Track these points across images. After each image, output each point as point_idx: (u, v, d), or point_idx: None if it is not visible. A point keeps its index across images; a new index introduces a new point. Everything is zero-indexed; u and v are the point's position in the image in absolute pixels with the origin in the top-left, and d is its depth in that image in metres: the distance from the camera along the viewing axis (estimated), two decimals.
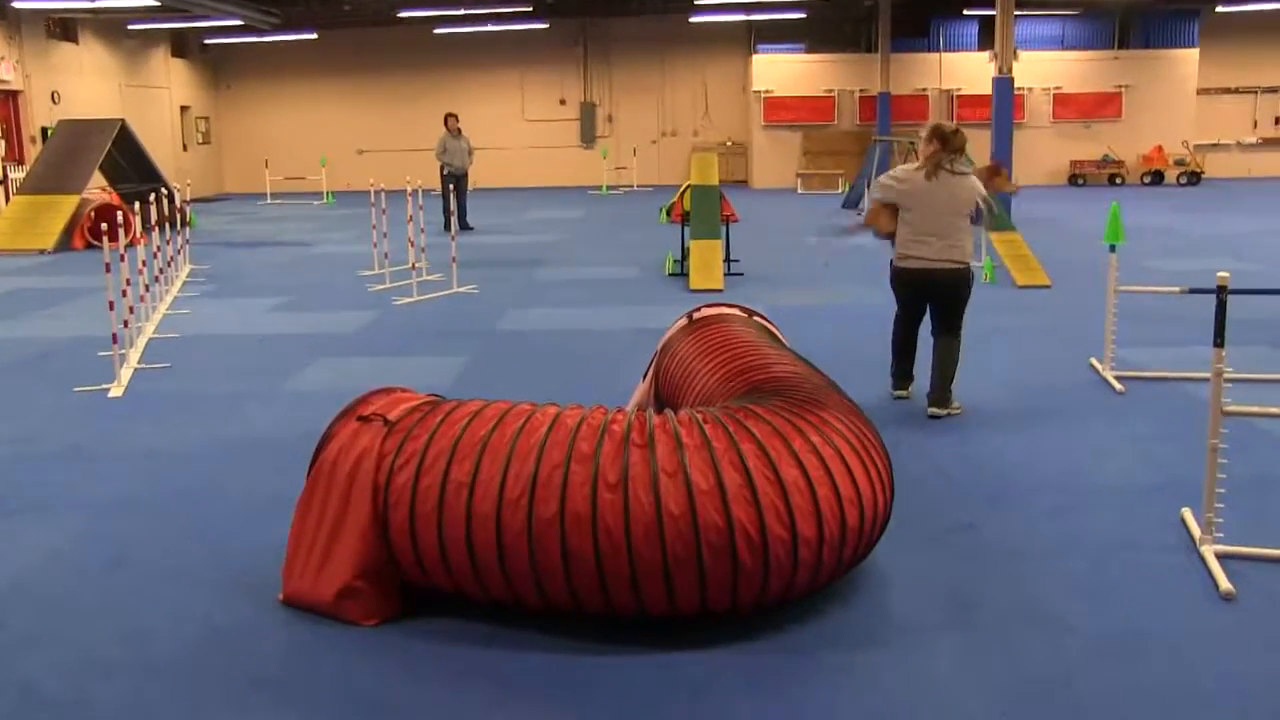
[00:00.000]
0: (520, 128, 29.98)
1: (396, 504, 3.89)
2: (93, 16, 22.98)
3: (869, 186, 19.61)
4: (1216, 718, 3.32)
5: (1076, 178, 27.49)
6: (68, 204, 16.92)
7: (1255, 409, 4.83)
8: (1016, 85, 18.46)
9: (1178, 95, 27.66)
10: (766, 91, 28.29)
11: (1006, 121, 17.10)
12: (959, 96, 27.88)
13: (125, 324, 8.55)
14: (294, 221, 21.46)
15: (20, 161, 20.64)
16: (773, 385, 4.48)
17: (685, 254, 12.57)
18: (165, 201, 11.99)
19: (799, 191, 26.66)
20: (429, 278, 12.37)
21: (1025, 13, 24.39)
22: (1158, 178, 27.01)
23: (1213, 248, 14.65)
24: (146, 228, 11.06)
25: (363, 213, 18.81)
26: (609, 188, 28.09)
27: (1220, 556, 4.39)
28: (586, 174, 29.33)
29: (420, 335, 9.61)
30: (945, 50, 28.04)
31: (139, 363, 8.49)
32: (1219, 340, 4.45)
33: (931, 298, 6.82)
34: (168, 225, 12.54)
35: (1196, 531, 4.63)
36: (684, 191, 13.98)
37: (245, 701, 3.50)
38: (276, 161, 28.40)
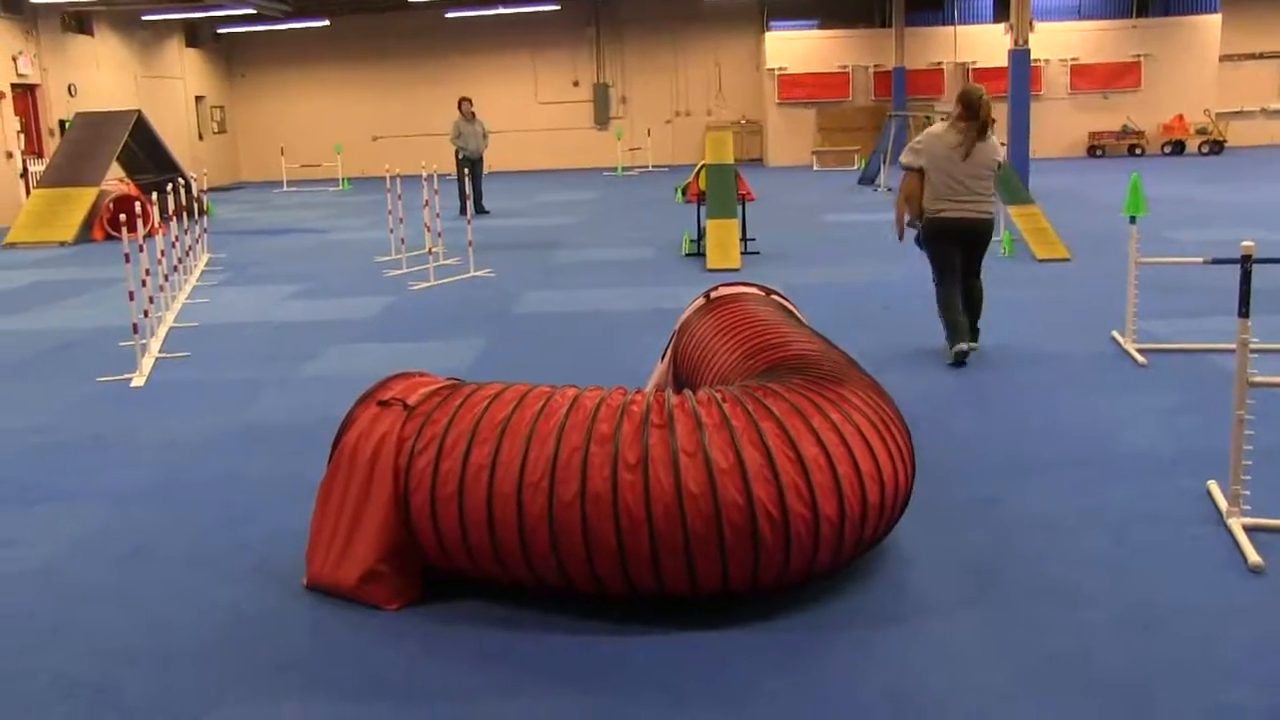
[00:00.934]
0: (534, 110, 29.95)
1: (417, 487, 3.90)
2: (107, 9, 23.02)
3: (884, 162, 19.57)
4: (1243, 690, 3.30)
5: (1095, 149, 27.31)
6: (87, 196, 16.99)
7: None
8: (1033, 57, 18.30)
9: (1199, 63, 27.39)
10: (780, 69, 28.18)
11: (1023, 94, 16.97)
12: (975, 70, 27.69)
13: (145, 314, 8.58)
14: (310, 209, 21.49)
15: (39, 155, 20.73)
16: (791, 363, 4.47)
17: (702, 233, 12.54)
18: (182, 191, 12.02)
19: (815, 169, 26.57)
20: (446, 262, 12.37)
21: None
22: (1179, 148, 26.79)
23: (1236, 217, 14.52)
24: (164, 218, 11.09)
25: (379, 198, 18.83)
26: (624, 169, 28.05)
27: (1248, 529, 4.36)
28: (601, 155, 29.29)
29: (438, 319, 9.62)
30: (960, 23, 27.85)
31: (160, 352, 8.52)
32: (1244, 310, 4.40)
33: (967, 245, 7.44)
34: (185, 215, 12.57)
35: (1223, 504, 4.60)
36: (699, 171, 13.96)
37: (270, 686, 3.52)
38: (292, 149, 28.45)
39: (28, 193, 19.11)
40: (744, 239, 12.59)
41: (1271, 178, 19.90)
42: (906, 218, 7.63)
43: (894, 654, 3.60)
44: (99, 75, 23.53)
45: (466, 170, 17.97)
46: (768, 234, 13.74)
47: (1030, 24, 17.05)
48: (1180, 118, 26.91)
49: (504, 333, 8.96)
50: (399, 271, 12.25)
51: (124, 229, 8.35)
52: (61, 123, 21.27)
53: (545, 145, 29.83)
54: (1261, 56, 28.14)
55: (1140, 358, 7.20)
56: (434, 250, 11.99)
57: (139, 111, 19.05)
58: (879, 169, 20.04)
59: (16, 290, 12.22)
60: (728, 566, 3.69)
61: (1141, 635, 3.64)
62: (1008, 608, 3.88)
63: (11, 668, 3.69)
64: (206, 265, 13.44)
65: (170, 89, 26.97)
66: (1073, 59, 27.66)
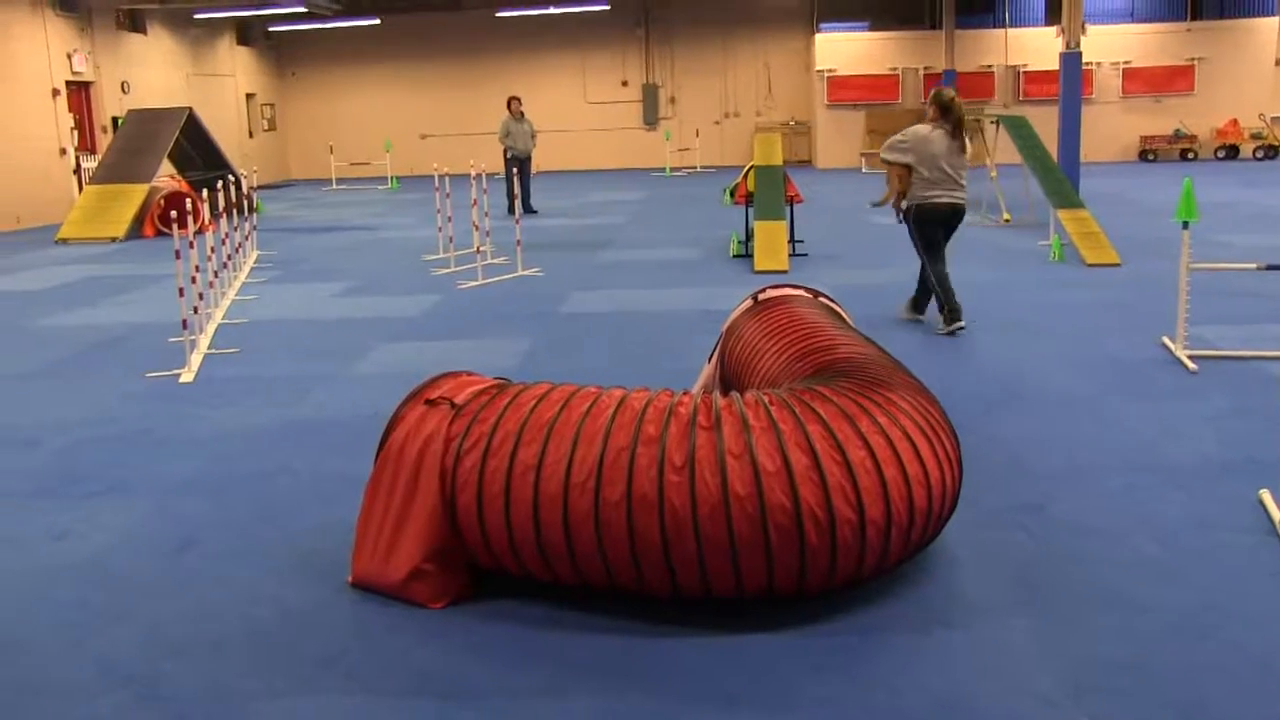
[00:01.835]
0: (583, 110, 30.00)
1: (464, 486, 3.91)
2: (160, 7, 23.29)
3: None
4: None
5: (1147, 153, 27.01)
6: (138, 193, 17.18)
7: None
8: (1085, 60, 18.11)
9: (1255, 66, 27.03)
10: (830, 71, 28.08)
11: (1075, 98, 16.80)
12: (1025, 72, 27.51)
13: (195, 310, 8.67)
14: (359, 206, 21.64)
15: (92, 151, 21.00)
16: (839, 366, 4.44)
17: (749, 235, 12.51)
18: (232, 188, 12.14)
19: (863, 171, 26.44)
20: (493, 261, 12.42)
21: None
22: (1233, 152, 26.45)
23: None
24: (215, 215, 11.20)
25: (427, 197, 18.93)
26: (672, 169, 28.04)
27: None
28: (649, 156, 29.30)
29: (485, 318, 9.65)
30: (1011, 25, 27.65)
31: (209, 348, 8.61)
32: None
33: (949, 227, 8.55)
34: (235, 212, 12.69)
35: (1275, 513, 4.53)
36: (748, 172, 13.91)
37: (315, 682, 3.54)
38: (341, 147, 28.67)
39: (80, 189, 19.36)
40: (792, 241, 12.55)
41: None
42: (891, 194, 8.66)
43: (942, 659, 3.57)
44: (151, 73, 23.81)
45: (515, 169, 18.03)
46: (816, 236, 13.69)
47: (1082, 27, 16.88)
48: (1234, 122, 26.57)
49: (551, 332, 8.98)
50: (447, 270, 12.30)
51: (174, 225, 8.44)
52: (114, 120, 21.55)
53: (593, 145, 29.88)
54: None
55: (1191, 364, 7.10)
56: (482, 249, 12.03)
57: (190, 109, 19.26)
58: None
59: (69, 286, 12.38)
60: (773, 569, 3.67)
61: (1194, 644, 3.58)
62: (1056, 614, 3.83)
63: (63, 657, 3.74)
64: (255, 262, 13.56)
65: (221, 87, 27.25)
66: (1125, 62, 27.37)
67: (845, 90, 28.10)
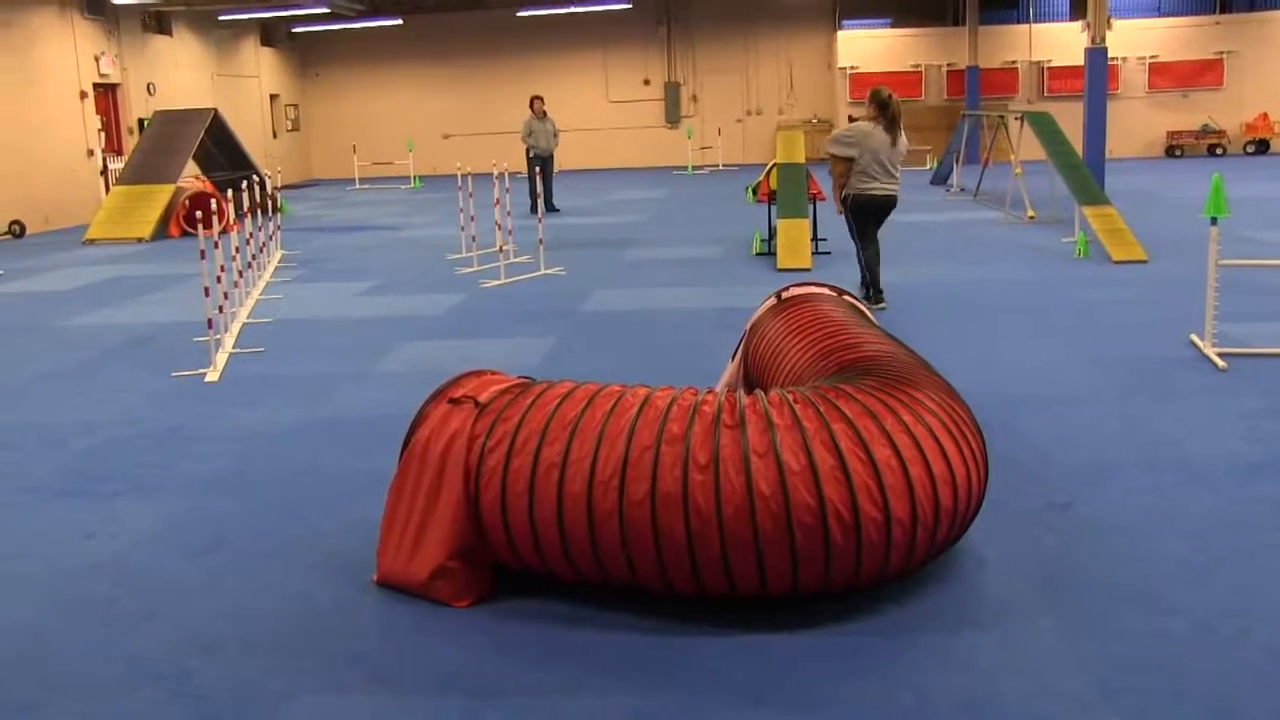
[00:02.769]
0: (604, 109, 30.00)
1: (488, 485, 3.91)
2: (185, 9, 23.42)
3: (957, 163, 19.36)
4: None
5: (1174, 149, 26.80)
6: (163, 193, 17.28)
7: None
8: (1110, 55, 18.00)
9: None
10: (852, 68, 27.99)
11: (1100, 93, 16.71)
12: (1049, 68, 27.34)
13: (220, 309, 8.71)
14: (382, 206, 21.70)
15: (119, 152, 21.13)
16: (863, 364, 4.43)
17: (772, 233, 12.48)
18: (257, 188, 12.19)
19: None
20: (516, 260, 12.43)
21: None
22: (1262, 147, 26.22)
23: None
24: (239, 215, 11.25)
25: (449, 196, 18.95)
26: (694, 167, 28.01)
27: None
28: (671, 154, 29.27)
29: (508, 317, 9.66)
30: (1035, 21, 27.50)
31: (234, 347, 8.65)
32: None
33: (882, 215, 9.35)
34: (259, 212, 12.74)
35: None
36: (770, 170, 13.88)
37: (341, 680, 3.55)
38: (364, 147, 28.76)
39: (107, 190, 19.49)
40: (815, 239, 12.51)
41: None
42: (838, 192, 9.32)
43: (968, 659, 3.55)
44: (177, 74, 23.94)
45: (537, 168, 18.00)
46: (839, 234, 13.62)
47: (1108, 22, 16.78)
48: (1264, 116, 26.31)
49: (574, 331, 8.98)
50: (470, 269, 12.33)
51: (199, 226, 8.48)
52: (140, 121, 21.67)
53: (616, 144, 29.88)
54: None
55: (1220, 361, 7.05)
56: (504, 248, 12.05)
57: (215, 110, 19.35)
58: (952, 169, 19.82)
59: (95, 285, 12.46)
60: (798, 568, 3.66)
61: (1225, 645, 3.55)
62: (1084, 614, 3.81)
63: (92, 656, 3.76)
64: (280, 262, 13.62)
65: (245, 88, 27.38)
66: (1151, 57, 27.16)
67: (868, 87, 27.96)
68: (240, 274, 10.42)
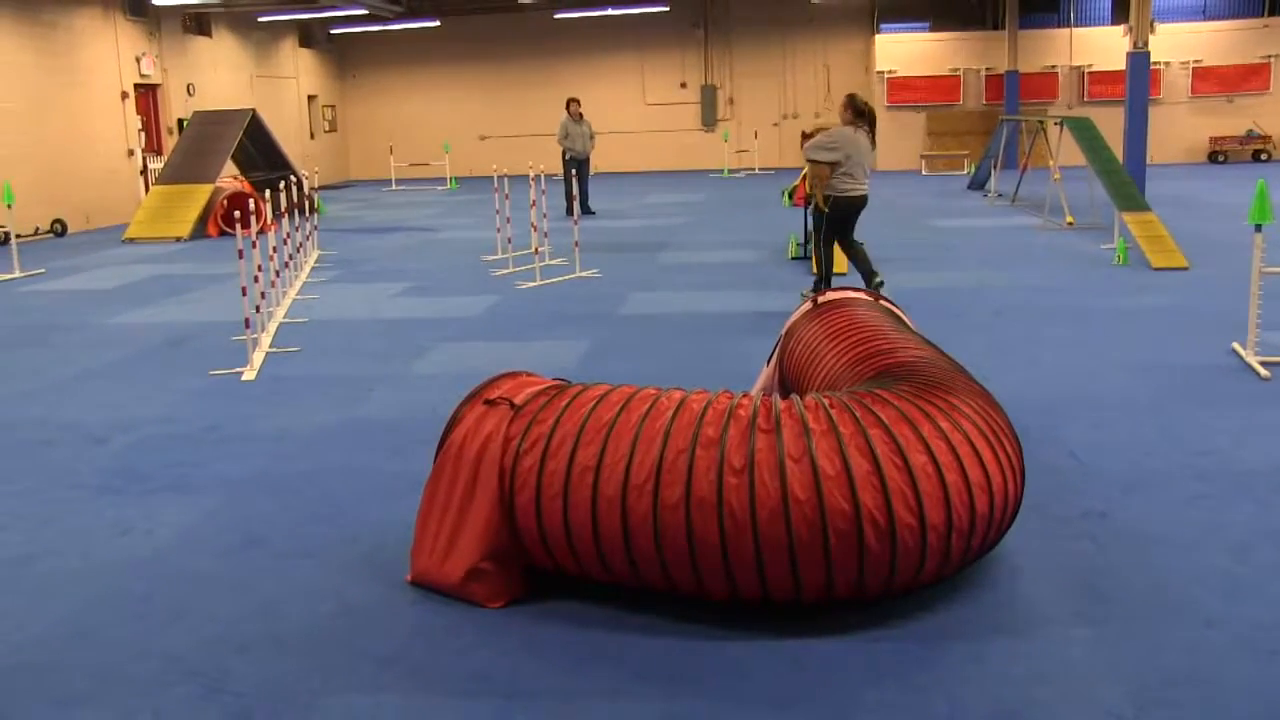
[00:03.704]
0: (641, 111, 29.99)
1: (522, 487, 3.91)
2: (225, 10, 23.61)
3: (995, 168, 19.24)
4: None
5: (1217, 154, 26.50)
6: (202, 193, 17.42)
7: None
8: (1153, 59, 17.81)
9: None
10: (890, 72, 27.88)
11: (1141, 99, 16.54)
12: (1090, 73, 27.11)
13: (257, 309, 8.77)
14: (418, 207, 21.79)
15: (159, 152, 21.32)
16: (900, 370, 4.40)
17: (808, 237, 12.43)
18: (294, 189, 12.26)
19: (923, 173, 26.23)
20: (552, 262, 12.45)
21: None
22: None
23: None
24: (277, 215, 11.32)
25: (486, 198, 19.03)
26: (730, 171, 27.97)
27: None
28: (707, 157, 29.24)
29: (543, 319, 9.68)
30: (1076, 25, 27.27)
31: (270, 347, 8.70)
32: None
33: (859, 214, 9.84)
34: (297, 212, 12.82)
35: None
36: (806, 174, 13.82)
37: (374, 680, 3.56)
38: (401, 148, 28.89)
39: (147, 189, 19.67)
40: None
41: None
42: (819, 194, 9.76)
43: (1003, 667, 3.52)
44: (216, 75, 24.13)
45: (573, 171, 18.07)
46: (875, 238, 13.57)
47: (1151, 25, 16.61)
48: None
49: (609, 333, 8.98)
50: (505, 271, 12.35)
51: (237, 225, 8.54)
52: (180, 121, 21.86)
53: (652, 147, 29.87)
54: None
55: (1263, 370, 6.96)
56: (540, 250, 12.07)
57: (253, 111, 19.49)
58: (989, 174, 19.70)
59: (135, 284, 12.58)
60: (832, 573, 3.64)
61: (1266, 660, 3.50)
62: (1122, 623, 3.77)
63: (128, 651, 3.79)
64: (316, 262, 13.70)
65: (284, 88, 27.56)
66: (1195, 61, 26.86)
67: (905, 91, 27.88)
68: (277, 274, 10.49)
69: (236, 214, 8.83)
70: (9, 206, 13.90)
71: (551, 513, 3.85)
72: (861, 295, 5.98)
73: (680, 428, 3.78)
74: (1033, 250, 12.84)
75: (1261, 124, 26.45)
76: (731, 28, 29.48)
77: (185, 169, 17.98)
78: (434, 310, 10.29)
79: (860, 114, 9.68)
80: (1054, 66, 27.45)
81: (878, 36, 28.14)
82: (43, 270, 13.78)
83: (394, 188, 27.04)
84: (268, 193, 11.52)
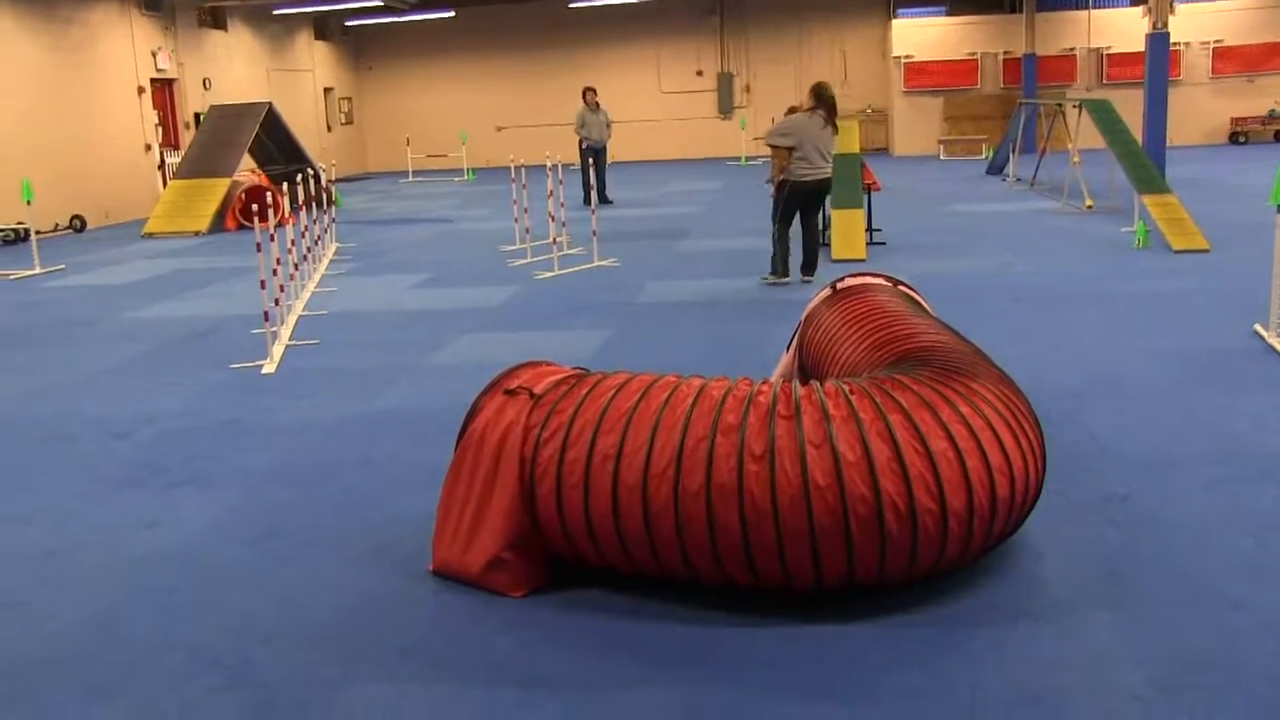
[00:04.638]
0: (657, 100, 29.93)
1: (543, 476, 3.92)
2: (241, 4, 23.66)
3: (1014, 152, 19.14)
4: None
5: (1238, 135, 26.30)
6: (220, 187, 17.47)
7: None
8: (1172, 40, 17.67)
9: None
10: (907, 57, 27.75)
11: (1161, 80, 16.43)
12: (1109, 55, 26.92)
13: (276, 302, 8.79)
14: (436, 199, 21.81)
15: (176, 147, 21.38)
16: (920, 355, 4.39)
17: (826, 223, 12.40)
18: (312, 182, 12.28)
19: (941, 158, 26.12)
20: (570, 252, 12.45)
21: None
22: None
23: None
24: (294, 208, 11.35)
25: (503, 188, 19.03)
26: (748, 158, 27.89)
27: None
28: (724, 145, 29.18)
29: (562, 309, 9.68)
30: (1094, 7, 27.07)
31: (290, 339, 8.73)
32: None
33: (819, 198, 10.26)
34: (314, 205, 12.85)
35: None
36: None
37: (396, 670, 3.58)
38: (417, 140, 28.90)
39: (165, 184, 19.74)
40: (870, 229, 12.42)
41: None
42: (775, 176, 10.22)
43: (1026, 653, 3.51)
44: (232, 69, 24.18)
45: (590, 160, 18.04)
46: (894, 224, 13.56)
47: (1170, 6, 16.49)
48: None
49: (628, 322, 8.98)
50: (524, 261, 12.36)
51: (255, 219, 8.56)
52: (196, 115, 21.92)
53: (669, 135, 29.81)
54: None
55: None
56: (558, 240, 12.07)
57: (270, 104, 19.54)
58: (1008, 158, 19.60)
59: (155, 279, 12.63)
60: (853, 559, 3.64)
61: None
62: (1143, 607, 3.75)
63: (153, 643, 3.82)
64: (335, 254, 13.73)
65: (300, 81, 27.61)
66: (1216, 41, 26.63)
67: (922, 76, 27.76)
68: (296, 267, 10.52)
69: (254, 207, 8.86)
70: (28, 203, 13.96)
71: (572, 501, 3.86)
72: (880, 280, 5.96)
73: (700, 415, 3.78)
74: (1052, 234, 12.77)
75: None
76: (747, 14, 29.38)
77: (203, 163, 18.03)
78: (453, 301, 10.30)
79: (819, 98, 10.01)
80: (1072, 49, 27.27)
81: (894, 21, 28.02)
82: (63, 266, 13.86)
83: (411, 179, 27.07)
84: (285, 186, 11.54)
